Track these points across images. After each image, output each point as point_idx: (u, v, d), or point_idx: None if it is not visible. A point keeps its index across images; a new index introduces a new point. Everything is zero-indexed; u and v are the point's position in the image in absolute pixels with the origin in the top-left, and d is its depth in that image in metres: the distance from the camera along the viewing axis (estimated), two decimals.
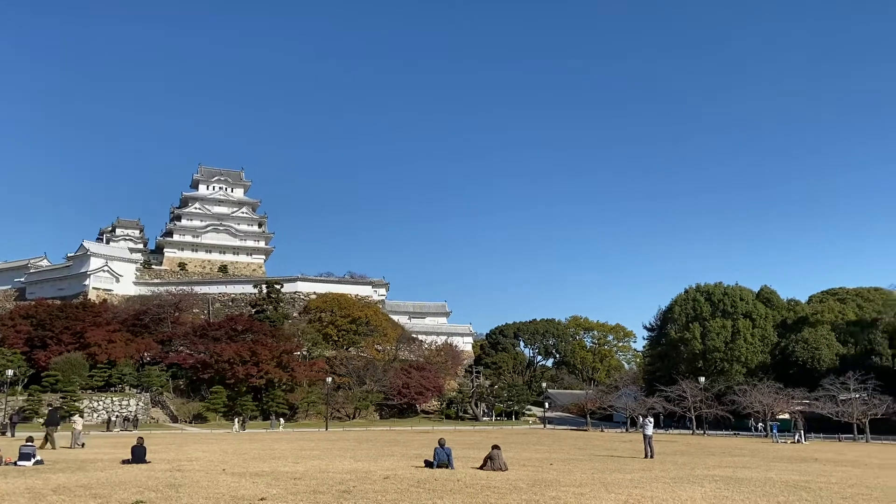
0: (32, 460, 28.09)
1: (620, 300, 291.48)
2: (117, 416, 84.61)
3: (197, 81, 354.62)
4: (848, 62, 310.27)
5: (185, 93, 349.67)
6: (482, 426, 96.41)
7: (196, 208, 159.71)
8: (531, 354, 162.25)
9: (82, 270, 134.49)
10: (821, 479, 26.46)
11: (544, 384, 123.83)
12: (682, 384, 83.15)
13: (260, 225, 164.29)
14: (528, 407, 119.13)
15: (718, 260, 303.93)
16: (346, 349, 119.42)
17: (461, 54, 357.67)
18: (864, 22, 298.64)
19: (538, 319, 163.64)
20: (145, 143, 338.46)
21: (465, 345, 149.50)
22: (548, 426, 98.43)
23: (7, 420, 68.57)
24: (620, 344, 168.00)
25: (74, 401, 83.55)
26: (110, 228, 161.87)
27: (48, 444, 39.68)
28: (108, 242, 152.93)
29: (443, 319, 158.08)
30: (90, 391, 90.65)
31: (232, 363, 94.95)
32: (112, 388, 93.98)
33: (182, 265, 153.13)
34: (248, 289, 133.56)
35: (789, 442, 62.30)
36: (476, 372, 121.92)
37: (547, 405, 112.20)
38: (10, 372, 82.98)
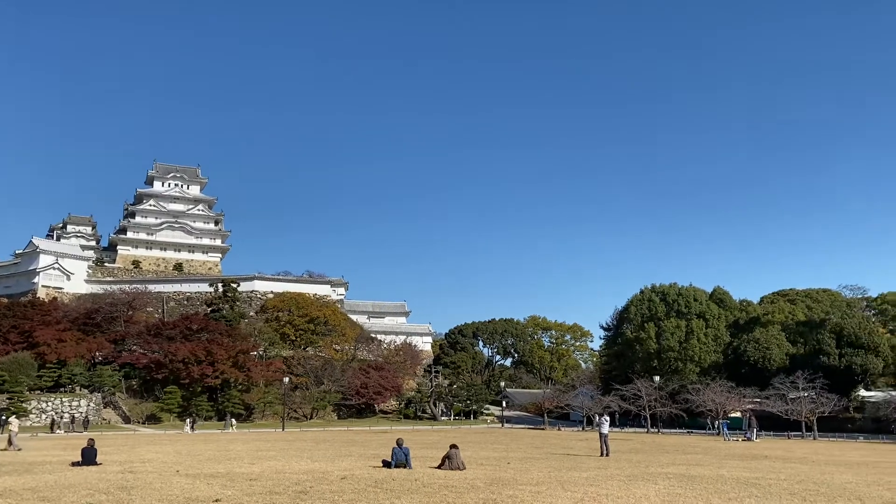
0: None
1: (578, 300, 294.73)
2: (61, 417, 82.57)
3: (156, 77, 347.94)
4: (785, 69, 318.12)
5: (144, 90, 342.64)
6: (441, 426, 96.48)
7: (151, 205, 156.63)
8: (490, 354, 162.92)
9: (31, 268, 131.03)
10: (770, 476, 27.12)
11: (503, 383, 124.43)
12: (637, 383, 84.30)
13: (216, 223, 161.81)
14: (487, 406, 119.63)
15: (674, 261, 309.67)
16: (304, 349, 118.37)
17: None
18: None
19: (497, 319, 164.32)
20: (99, 138, 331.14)
21: (425, 344, 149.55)
22: (506, 425, 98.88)
23: None
24: (578, 343, 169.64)
25: (21, 402, 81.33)
26: (61, 225, 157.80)
27: None
28: (58, 239, 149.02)
29: (402, 319, 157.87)
30: (38, 392, 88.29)
31: (187, 363, 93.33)
32: (62, 389, 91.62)
33: (136, 263, 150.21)
34: (204, 287, 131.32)
35: (740, 439, 63.71)
36: (435, 371, 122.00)
37: (505, 404, 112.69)
38: None
